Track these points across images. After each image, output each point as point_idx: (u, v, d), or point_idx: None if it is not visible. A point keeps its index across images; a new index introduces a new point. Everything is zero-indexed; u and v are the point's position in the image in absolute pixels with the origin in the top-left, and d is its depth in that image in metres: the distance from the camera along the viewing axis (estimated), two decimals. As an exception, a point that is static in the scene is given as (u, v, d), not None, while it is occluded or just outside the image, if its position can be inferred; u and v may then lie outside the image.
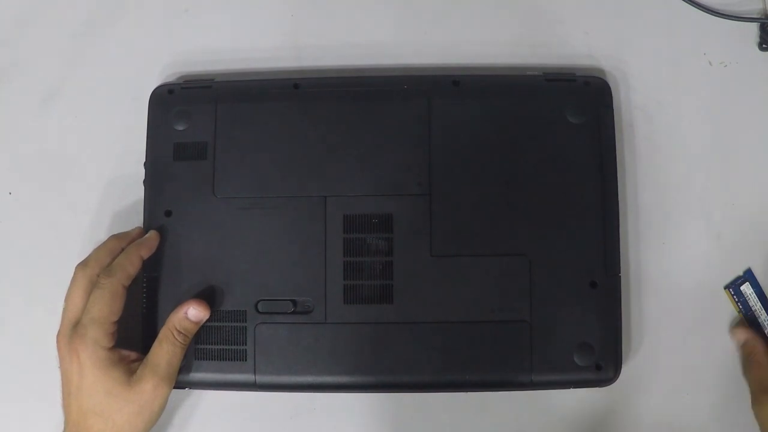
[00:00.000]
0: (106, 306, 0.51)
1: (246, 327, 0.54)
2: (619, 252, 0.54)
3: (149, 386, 0.51)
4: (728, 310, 0.56)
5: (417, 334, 0.53)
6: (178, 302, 0.54)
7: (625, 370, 0.54)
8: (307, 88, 0.56)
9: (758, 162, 0.58)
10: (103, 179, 0.59)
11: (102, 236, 0.58)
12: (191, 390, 0.56)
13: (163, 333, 0.53)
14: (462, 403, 0.57)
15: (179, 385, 0.54)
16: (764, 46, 0.58)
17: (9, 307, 0.59)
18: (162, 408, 0.52)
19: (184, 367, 0.54)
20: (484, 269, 0.53)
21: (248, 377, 0.54)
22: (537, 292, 0.53)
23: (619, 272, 0.54)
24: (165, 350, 0.52)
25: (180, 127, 0.56)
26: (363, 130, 0.55)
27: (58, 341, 0.52)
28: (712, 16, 0.58)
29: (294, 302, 0.54)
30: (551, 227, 0.54)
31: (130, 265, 0.53)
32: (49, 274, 0.58)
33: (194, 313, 0.53)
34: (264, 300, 0.54)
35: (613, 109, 0.55)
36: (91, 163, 0.59)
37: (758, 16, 0.58)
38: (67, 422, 0.52)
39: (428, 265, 0.53)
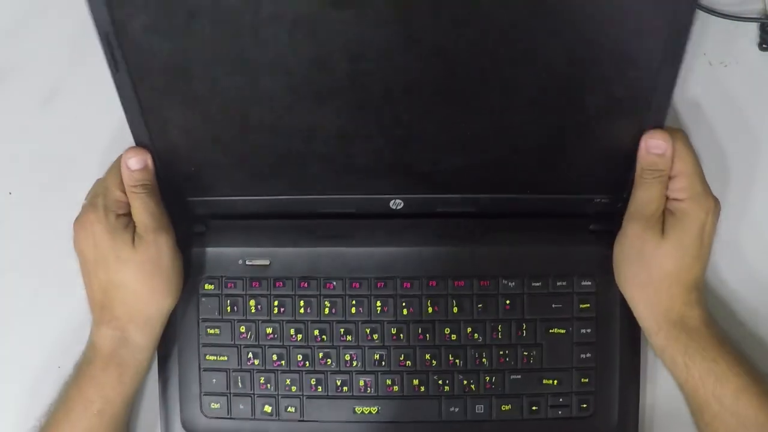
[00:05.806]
0: (117, 176, 0.53)
1: None
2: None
3: (149, 240, 0.52)
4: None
5: None
6: None
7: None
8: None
9: (758, 162, 0.58)
10: (103, 179, 0.59)
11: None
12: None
13: (128, 194, 0.53)
14: None
15: None
16: (764, 46, 0.58)
17: (9, 307, 0.59)
18: (172, 260, 0.53)
19: None
20: None
21: None
22: None
23: None
24: (138, 207, 0.53)
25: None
26: None
27: (74, 223, 0.53)
28: (712, 16, 0.58)
29: None
30: None
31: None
32: (49, 275, 0.58)
33: (134, 162, 0.52)
34: None
35: None
36: (91, 163, 0.59)
37: (758, 16, 0.58)
38: (93, 309, 0.53)
39: None
